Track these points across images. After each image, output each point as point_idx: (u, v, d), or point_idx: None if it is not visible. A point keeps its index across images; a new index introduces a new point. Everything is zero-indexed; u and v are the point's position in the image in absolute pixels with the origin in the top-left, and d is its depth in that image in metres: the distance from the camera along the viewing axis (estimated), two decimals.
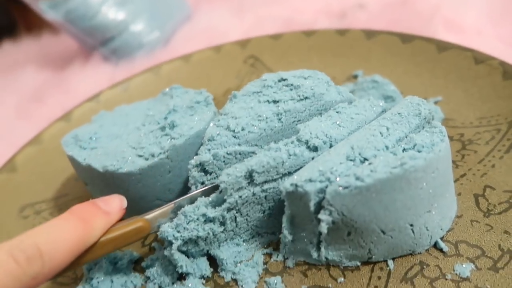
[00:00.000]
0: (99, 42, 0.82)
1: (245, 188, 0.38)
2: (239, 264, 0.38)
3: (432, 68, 0.56)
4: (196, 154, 0.42)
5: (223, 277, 0.38)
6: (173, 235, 0.37)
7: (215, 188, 0.39)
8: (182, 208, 0.38)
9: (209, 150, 0.40)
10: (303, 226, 0.37)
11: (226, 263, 0.38)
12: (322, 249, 0.36)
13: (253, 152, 0.41)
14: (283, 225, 0.37)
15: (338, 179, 0.33)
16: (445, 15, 0.71)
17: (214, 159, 0.40)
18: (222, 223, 0.38)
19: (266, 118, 0.41)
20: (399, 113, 0.40)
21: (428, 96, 0.53)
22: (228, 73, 0.68)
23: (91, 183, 0.44)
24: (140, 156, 0.41)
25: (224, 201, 0.37)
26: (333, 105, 0.43)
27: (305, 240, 0.37)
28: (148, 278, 0.39)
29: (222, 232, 0.38)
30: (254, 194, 0.38)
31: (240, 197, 0.38)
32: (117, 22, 0.81)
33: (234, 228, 0.39)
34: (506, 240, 0.36)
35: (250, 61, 0.70)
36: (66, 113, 0.62)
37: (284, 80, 0.44)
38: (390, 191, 0.33)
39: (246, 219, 0.39)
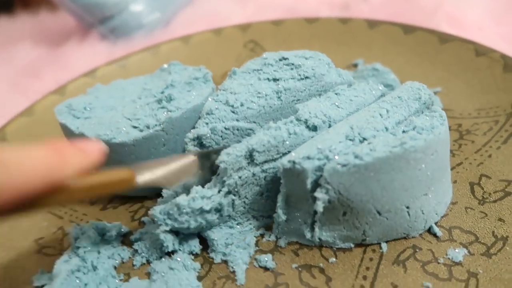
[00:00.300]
0: (97, 20, 0.81)
1: (245, 168, 0.37)
2: (230, 246, 0.38)
3: (433, 59, 0.56)
4: (193, 128, 0.41)
5: (212, 258, 0.38)
6: (163, 220, 0.36)
7: (214, 152, 0.38)
8: (176, 198, 0.36)
9: (207, 123, 0.40)
10: (298, 205, 0.36)
11: (217, 244, 0.38)
12: (316, 229, 0.36)
13: (250, 129, 0.40)
14: (277, 204, 0.37)
15: (336, 157, 0.33)
16: (447, 10, 0.71)
17: (212, 133, 0.39)
18: (218, 211, 0.37)
19: (266, 95, 0.41)
20: (399, 97, 0.39)
21: (428, 87, 0.52)
22: (227, 56, 0.67)
23: None
24: (135, 127, 0.40)
25: (223, 184, 0.36)
26: (333, 87, 0.43)
27: (299, 220, 0.36)
28: (136, 251, 0.38)
29: (217, 219, 0.38)
30: (254, 175, 0.37)
31: (240, 177, 0.37)
32: (117, 0, 0.80)
33: (231, 213, 0.38)
34: (500, 227, 0.36)
35: (250, 45, 0.69)
36: (60, 86, 0.61)
37: (285, 59, 0.44)
38: (389, 171, 0.32)
39: (244, 202, 0.38)
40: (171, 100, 0.42)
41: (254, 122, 0.41)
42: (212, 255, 0.38)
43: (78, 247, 0.37)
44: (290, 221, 0.37)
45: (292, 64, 0.43)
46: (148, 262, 0.38)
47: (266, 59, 0.45)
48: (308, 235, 0.36)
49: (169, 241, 0.36)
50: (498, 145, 0.43)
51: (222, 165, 0.36)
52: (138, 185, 0.34)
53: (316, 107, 0.39)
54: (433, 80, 0.54)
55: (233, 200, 0.37)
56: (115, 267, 0.37)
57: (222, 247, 0.37)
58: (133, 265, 0.38)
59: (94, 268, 0.36)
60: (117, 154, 0.40)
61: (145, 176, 0.35)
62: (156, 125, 0.40)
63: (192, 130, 0.39)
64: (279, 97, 0.41)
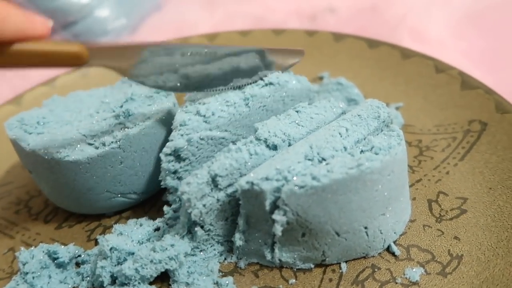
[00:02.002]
0: (60, 26, 0.78)
1: (209, 195, 0.36)
2: (192, 274, 0.36)
3: (395, 74, 0.57)
4: (155, 144, 0.40)
5: None
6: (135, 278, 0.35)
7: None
8: (137, 253, 0.35)
9: (182, 135, 0.38)
10: (258, 226, 0.36)
11: (179, 274, 0.36)
12: (276, 250, 0.35)
13: (223, 138, 0.40)
14: (238, 227, 0.36)
15: (295, 178, 0.33)
16: (411, 25, 0.73)
17: (188, 144, 0.38)
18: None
19: (234, 103, 0.40)
20: (359, 115, 0.39)
21: (390, 101, 0.53)
22: None
23: (35, 171, 0.41)
24: (90, 144, 0.39)
25: (190, 216, 0.35)
26: (293, 95, 0.43)
27: (260, 241, 0.36)
28: (82, 275, 0.36)
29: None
30: (218, 200, 0.36)
31: (204, 205, 0.35)
32: (80, 5, 0.77)
33: (194, 244, 0.37)
34: (455, 245, 0.36)
35: None
36: (16, 96, 0.58)
37: None
38: (346, 192, 0.32)
39: (209, 229, 0.37)
40: (129, 116, 0.41)
41: (226, 131, 0.40)
42: (174, 286, 0.36)
43: (26, 273, 0.35)
44: (250, 242, 0.37)
45: None
46: (101, 287, 0.36)
47: None
48: (269, 256, 0.36)
49: (106, 278, 0.35)
50: (455, 162, 0.44)
51: (184, 197, 0.34)
52: (90, 63, 0.34)
53: (275, 126, 0.39)
54: (395, 94, 0.54)
55: (196, 232, 0.36)
56: None
57: (184, 277, 0.36)
58: None
59: None
60: (71, 172, 0.39)
61: (100, 55, 0.34)
62: (112, 142, 0.39)
63: (167, 144, 0.38)
64: (246, 104, 0.41)
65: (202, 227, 0.36)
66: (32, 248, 0.36)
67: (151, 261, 0.34)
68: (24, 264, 0.35)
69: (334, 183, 0.32)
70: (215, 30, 0.74)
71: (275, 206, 0.33)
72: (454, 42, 0.69)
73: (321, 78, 0.60)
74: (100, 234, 0.41)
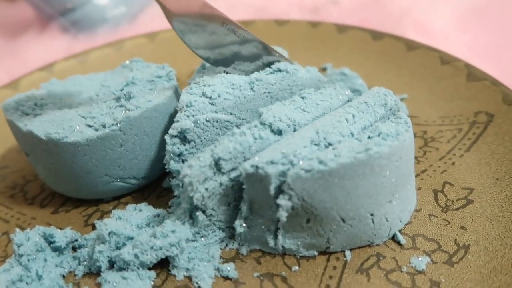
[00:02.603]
0: (58, 12, 0.77)
1: (211, 178, 0.35)
2: (193, 260, 0.35)
3: (399, 66, 0.56)
4: (156, 128, 0.39)
5: (174, 275, 0.35)
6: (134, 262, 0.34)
7: None
8: (137, 238, 0.34)
9: (188, 116, 0.37)
10: (261, 212, 0.35)
11: (179, 260, 0.34)
12: (280, 237, 0.35)
13: (228, 121, 0.39)
14: (241, 213, 0.35)
15: (301, 162, 0.32)
16: (415, 18, 0.72)
17: (194, 126, 0.37)
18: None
19: (240, 86, 0.40)
20: (365, 102, 0.39)
21: (395, 93, 0.52)
22: (194, 55, 0.65)
23: (32, 153, 0.40)
24: (89, 126, 0.38)
25: (191, 200, 0.34)
26: (303, 84, 0.42)
27: (262, 227, 0.35)
28: (78, 259, 0.35)
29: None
30: (221, 185, 0.35)
31: (207, 189, 0.34)
32: None
33: (195, 229, 0.36)
34: (462, 235, 0.36)
35: None
36: (13, 80, 0.57)
37: None
38: (353, 177, 0.31)
39: (211, 214, 0.36)
40: (130, 99, 0.40)
41: (231, 114, 0.39)
42: (173, 272, 0.35)
43: (21, 255, 0.34)
44: (253, 228, 0.36)
45: None
46: (98, 272, 0.35)
47: None
48: (272, 242, 0.35)
49: (104, 263, 0.34)
50: (461, 153, 0.43)
51: (186, 180, 0.33)
52: None
53: (280, 111, 0.38)
54: (400, 86, 0.54)
55: (197, 216, 0.35)
56: (63, 276, 0.35)
57: (184, 262, 0.35)
58: (75, 275, 0.35)
59: (39, 277, 0.33)
60: (70, 154, 0.38)
61: None
62: (112, 124, 0.38)
63: (173, 125, 0.37)
64: (252, 88, 0.40)
65: (203, 212, 0.35)
66: (27, 230, 0.35)
67: (152, 248, 0.33)
68: (19, 246, 0.34)
69: (341, 168, 0.31)
70: None
71: (279, 191, 0.33)
72: (458, 35, 0.68)
73: (324, 70, 0.59)
74: (98, 219, 0.40)
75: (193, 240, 0.36)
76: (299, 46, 0.64)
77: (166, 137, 0.37)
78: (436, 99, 0.50)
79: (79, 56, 0.62)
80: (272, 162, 0.32)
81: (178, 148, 0.37)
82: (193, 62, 0.63)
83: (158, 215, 0.37)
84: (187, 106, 0.37)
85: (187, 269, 0.34)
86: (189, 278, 0.35)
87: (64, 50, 0.73)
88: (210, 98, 0.38)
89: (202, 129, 0.38)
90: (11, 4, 0.91)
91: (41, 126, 0.38)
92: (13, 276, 0.32)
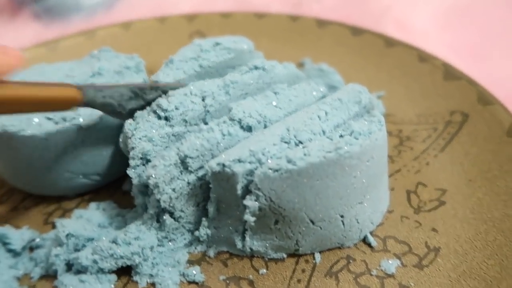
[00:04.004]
0: None
1: (178, 178, 0.33)
2: (157, 266, 0.33)
3: (378, 62, 0.55)
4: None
5: (136, 282, 0.33)
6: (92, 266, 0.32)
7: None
8: (97, 243, 0.32)
9: (140, 138, 0.34)
10: (229, 212, 0.33)
11: (142, 266, 0.33)
12: (247, 238, 0.33)
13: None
14: (208, 211, 0.34)
15: (269, 161, 0.31)
16: (395, 16, 0.72)
17: (153, 145, 0.34)
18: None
19: (212, 93, 0.37)
20: (339, 99, 0.38)
21: (372, 90, 0.51)
22: (170, 46, 0.62)
23: None
24: (49, 119, 0.36)
25: (158, 203, 0.32)
26: (280, 81, 0.40)
27: (230, 228, 0.34)
28: (35, 260, 0.34)
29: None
30: (189, 184, 0.33)
31: (174, 190, 0.33)
32: None
33: (162, 234, 0.34)
34: (433, 237, 0.35)
35: (196, 36, 0.65)
36: None
37: (219, 44, 0.41)
38: (323, 177, 0.30)
39: (180, 216, 0.34)
40: None
41: (197, 124, 0.36)
42: (136, 278, 0.33)
43: None
44: (220, 229, 0.34)
45: (229, 48, 0.41)
46: (55, 274, 0.33)
47: (200, 45, 0.42)
48: (239, 244, 0.34)
49: (60, 266, 0.32)
50: (435, 153, 0.42)
51: (151, 181, 0.31)
52: (85, 102, 0.32)
53: (251, 106, 0.36)
54: (377, 83, 0.53)
55: (164, 219, 0.33)
56: (18, 279, 0.33)
57: (148, 269, 0.33)
58: (31, 278, 0.33)
59: None
60: (27, 149, 0.36)
61: (93, 93, 0.32)
62: (74, 118, 0.36)
63: (132, 154, 0.33)
64: (227, 92, 0.37)
65: (172, 214, 0.33)
66: None
67: (111, 255, 0.31)
68: None
69: (310, 167, 0.30)
70: (195, 10, 0.71)
71: (247, 191, 0.31)
72: (439, 34, 0.68)
73: (302, 65, 0.58)
74: (59, 217, 0.38)
75: (159, 245, 0.34)
76: (278, 40, 0.63)
77: (129, 172, 0.34)
78: (413, 97, 0.50)
79: (49, 44, 0.60)
80: (239, 160, 0.31)
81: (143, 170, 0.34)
82: (168, 53, 0.61)
83: (122, 215, 0.36)
84: (134, 130, 0.35)
85: (151, 275, 0.33)
86: (153, 284, 0.33)
87: (35, 37, 0.70)
88: (166, 111, 0.35)
89: (161, 145, 0.34)
90: None
91: None
92: None
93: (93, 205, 0.37)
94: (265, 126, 0.36)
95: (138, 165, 0.34)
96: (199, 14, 0.68)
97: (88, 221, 0.34)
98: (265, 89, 0.40)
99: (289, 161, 0.30)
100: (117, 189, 0.41)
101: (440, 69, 0.50)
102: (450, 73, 0.49)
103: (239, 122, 0.35)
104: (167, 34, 0.64)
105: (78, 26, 0.72)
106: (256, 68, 0.40)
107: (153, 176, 0.31)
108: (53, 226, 0.37)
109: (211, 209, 0.33)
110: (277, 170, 0.30)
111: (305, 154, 0.30)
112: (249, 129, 0.35)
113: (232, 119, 0.35)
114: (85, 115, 0.36)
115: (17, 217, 0.39)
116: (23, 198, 0.40)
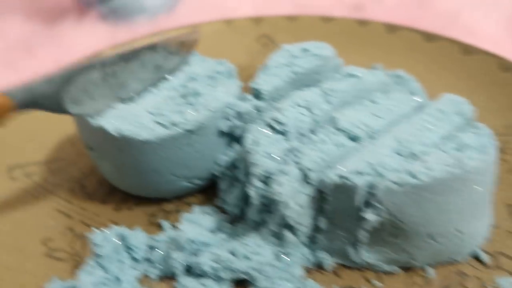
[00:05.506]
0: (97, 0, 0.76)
1: (301, 192, 0.32)
2: (272, 279, 0.32)
3: (455, 70, 0.54)
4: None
5: None
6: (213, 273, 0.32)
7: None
8: (215, 250, 0.33)
9: (263, 156, 0.34)
10: (342, 224, 0.33)
11: (258, 280, 0.32)
12: (361, 250, 0.33)
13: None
14: (321, 224, 0.34)
15: (390, 174, 0.31)
16: (462, 20, 0.71)
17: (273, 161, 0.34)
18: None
19: (315, 101, 0.37)
20: (440, 110, 0.37)
21: None
22: (238, 49, 0.63)
23: (98, 148, 0.39)
24: (159, 123, 0.37)
25: (283, 220, 0.32)
26: (372, 88, 0.40)
27: (342, 239, 0.34)
28: (151, 262, 0.34)
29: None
30: (308, 197, 0.33)
31: (299, 205, 0.32)
32: None
33: (281, 249, 0.34)
34: None
35: (263, 40, 0.65)
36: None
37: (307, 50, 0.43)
38: (446, 192, 0.30)
39: (299, 230, 0.33)
40: (198, 97, 0.39)
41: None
42: None
43: (99, 256, 0.33)
44: (332, 241, 0.34)
45: (317, 55, 0.42)
46: (172, 276, 0.34)
47: (290, 51, 0.43)
48: (353, 256, 0.34)
49: (179, 269, 0.33)
50: None
51: (278, 198, 0.31)
52: (18, 109, 0.31)
53: (354, 116, 0.37)
54: (457, 93, 0.52)
55: (286, 236, 0.33)
56: (139, 280, 0.34)
57: (265, 283, 0.32)
58: (149, 279, 0.34)
59: (117, 280, 0.32)
60: (139, 152, 0.36)
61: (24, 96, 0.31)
62: (183, 123, 0.37)
63: (253, 173, 0.34)
64: (327, 101, 0.37)
65: (292, 229, 0.33)
66: (105, 231, 0.34)
67: (230, 267, 0.32)
68: (98, 247, 0.33)
69: (434, 182, 0.30)
70: (255, 14, 0.71)
71: (365, 203, 0.31)
72: (509, 41, 0.66)
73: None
74: (162, 219, 0.39)
75: (276, 260, 0.33)
76: (345, 45, 0.62)
77: (251, 192, 0.34)
78: (498, 107, 0.49)
79: (125, 46, 0.61)
80: (359, 173, 0.31)
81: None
82: (236, 57, 0.61)
83: (229, 221, 0.36)
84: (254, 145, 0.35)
85: None
86: None
87: (104, 37, 0.72)
88: (283, 125, 0.35)
89: (280, 161, 0.34)
90: None
91: (111, 121, 0.37)
92: (97, 278, 0.31)
93: (197, 209, 0.38)
94: (371, 136, 0.36)
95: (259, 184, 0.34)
96: (265, 17, 0.68)
97: (198, 225, 0.35)
98: (361, 98, 0.40)
99: (412, 175, 0.30)
100: (208, 190, 0.41)
101: None
102: None
103: (347, 132, 0.35)
104: (234, 37, 0.65)
105: (143, 28, 0.74)
106: (350, 75, 0.40)
107: (282, 194, 0.31)
108: (158, 227, 0.38)
109: (324, 221, 0.34)
110: (400, 184, 0.30)
111: (427, 169, 0.30)
112: (356, 139, 0.35)
113: (339, 129, 0.35)
114: (194, 122, 0.37)
115: (123, 217, 0.40)
116: (124, 198, 0.41)
